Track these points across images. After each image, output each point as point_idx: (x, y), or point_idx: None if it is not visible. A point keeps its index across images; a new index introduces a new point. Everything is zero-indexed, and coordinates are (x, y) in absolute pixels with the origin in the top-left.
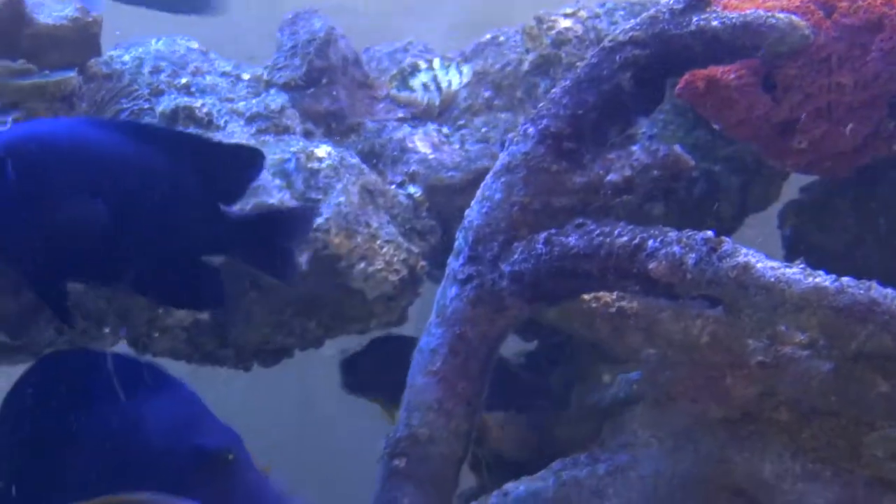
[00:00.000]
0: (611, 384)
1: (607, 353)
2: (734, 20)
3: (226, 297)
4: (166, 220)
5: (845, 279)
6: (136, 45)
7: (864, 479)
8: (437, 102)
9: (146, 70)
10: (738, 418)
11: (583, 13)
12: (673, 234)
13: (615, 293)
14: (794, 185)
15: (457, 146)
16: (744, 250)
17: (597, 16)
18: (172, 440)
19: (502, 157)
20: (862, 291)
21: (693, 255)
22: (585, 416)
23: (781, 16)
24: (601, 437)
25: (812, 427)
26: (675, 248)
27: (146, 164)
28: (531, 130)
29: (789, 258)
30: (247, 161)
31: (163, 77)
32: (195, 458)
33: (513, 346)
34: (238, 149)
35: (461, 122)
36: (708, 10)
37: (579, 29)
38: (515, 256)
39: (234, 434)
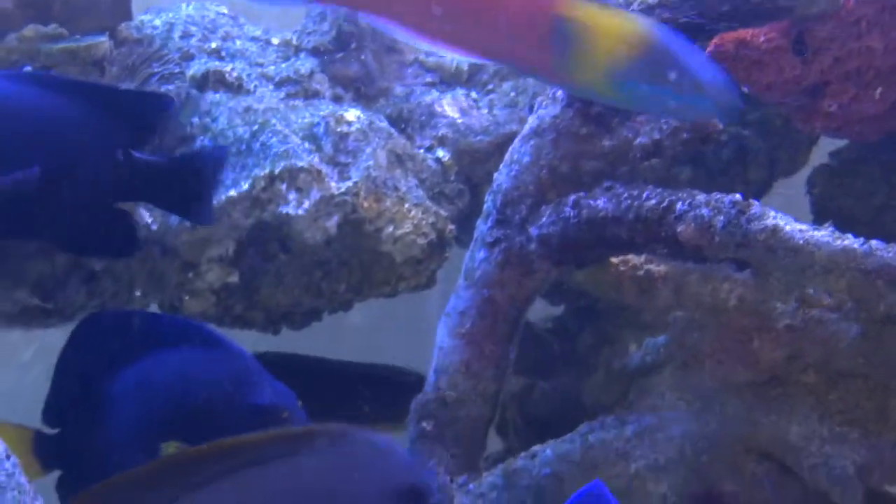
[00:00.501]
0: (638, 348)
1: (634, 316)
2: None
3: (138, 243)
4: (75, 169)
5: (874, 242)
6: (167, 10)
7: (891, 441)
8: (466, 67)
9: (176, 35)
10: (765, 381)
11: None
12: (701, 197)
13: (643, 256)
14: (822, 150)
15: (485, 111)
16: (772, 213)
17: None
18: (227, 397)
19: (531, 121)
20: (891, 254)
21: (722, 218)
22: (612, 379)
23: None
24: (628, 399)
25: (839, 390)
26: (704, 211)
27: (51, 113)
28: (560, 94)
29: (817, 223)
30: (156, 106)
31: (193, 41)
32: (251, 415)
33: (540, 311)
34: (146, 95)
35: (490, 87)
36: None
37: None
38: (544, 219)
39: (289, 392)
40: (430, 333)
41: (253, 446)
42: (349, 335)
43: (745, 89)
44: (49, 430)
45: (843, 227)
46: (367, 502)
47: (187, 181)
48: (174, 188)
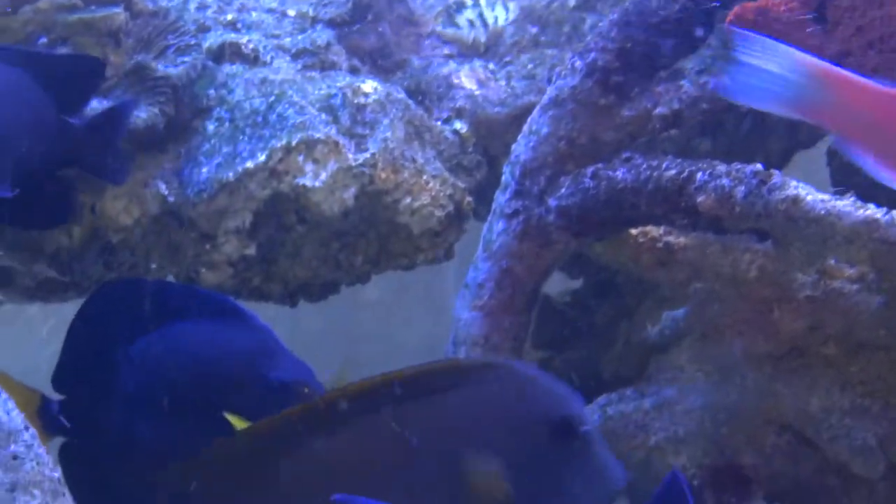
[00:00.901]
0: (657, 321)
1: (653, 289)
2: None
3: (75, 209)
4: (18, 140)
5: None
6: None
7: None
8: (483, 39)
9: (192, 6)
10: (785, 352)
11: None
12: (722, 168)
13: (662, 228)
14: None
15: (503, 82)
16: (794, 183)
17: None
18: (247, 370)
19: (550, 91)
20: None
21: (742, 188)
22: (631, 352)
23: None
24: (647, 372)
25: (860, 361)
26: (725, 181)
27: None
28: (579, 64)
29: (837, 195)
30: (87, 70)
31: (209, 13)
32: (270, 389)
33: (558, 284)
34: (76, 58)
35: (507, 59)
36: None
37: None
38: (562, 191)
39: (308, 368)
40: (445, 308)
41: (417, 378)
42: (365, 309)
43: None
44: (56, 397)
45: (863, 199)
46: (522, 432)
47: (111, 140)
48: (103, 149)
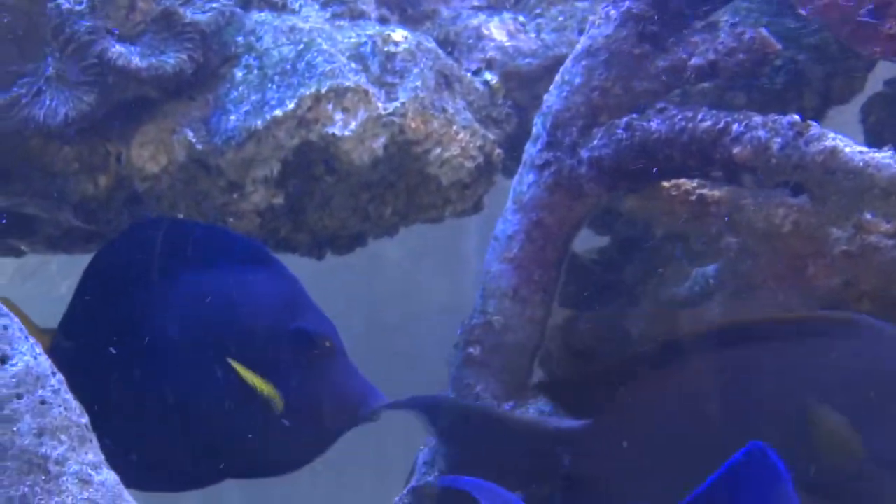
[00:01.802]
0: (686, 278)
1: (683, 246)
2: None
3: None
4: None
5: None
6: None
7: None
8: None
9: None
10: (819, 308)
11: None
12: (758, 119)
13: (696, 180)
14: (877, 79)
15: (533, 34)
16: (831, 134)
17: None
18: (274, 317)
19: (583, 41)
20: None
21: (779, 139)
22: (659, 311)
23: None
24: (672, 330)
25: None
26: (761, 132)
27: None
28: (613, 13)
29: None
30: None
31: None
32: (296, 339)
33: (585, 241)
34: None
35: (538, 11)
36: None
37: None
38: (595, 142)
39: (330, 322)
40: (467, 267)
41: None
42: (387, 267)
43: (803, 11)
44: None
45: None
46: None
47: None
48: None
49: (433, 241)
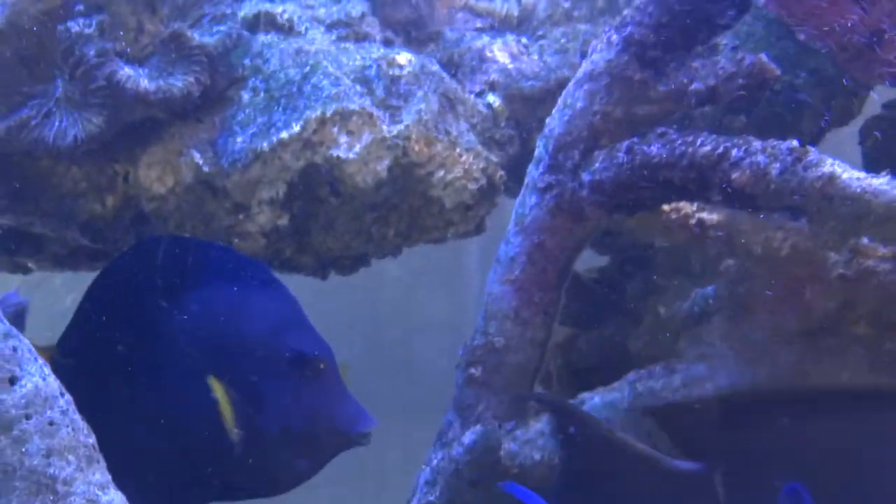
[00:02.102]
0: (685, 299)
1: (683, 266)
2: None
3: None
4: None
5: None
6: None
7: None
8: (516, 13)
9: None
10: (816, 331)
11: None
12: (757, 144)
13: (696, 204)
14: (876, 101)
15: (536, 56)
16: (829, 160)
17: None
18: (271, 337)
19: (585, 65)
20: None
21: (778, 165)
22: (660, 329)
23: None
24: (677, 348)
25: (892, 341)
26: (760, 158)
27: None
28: (615, 38)
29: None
30: None
31: None
32: (291, 359)
33: (586, 261)
34: None
35: (540, 33)
36: None
37: None
38: (596, 165)
39: (327, 345)
40: (467, 286)
41: None
42: (389, 284)
43: (801, 36)
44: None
45: None
46: None
47: None
48: None
49: (435, 259)
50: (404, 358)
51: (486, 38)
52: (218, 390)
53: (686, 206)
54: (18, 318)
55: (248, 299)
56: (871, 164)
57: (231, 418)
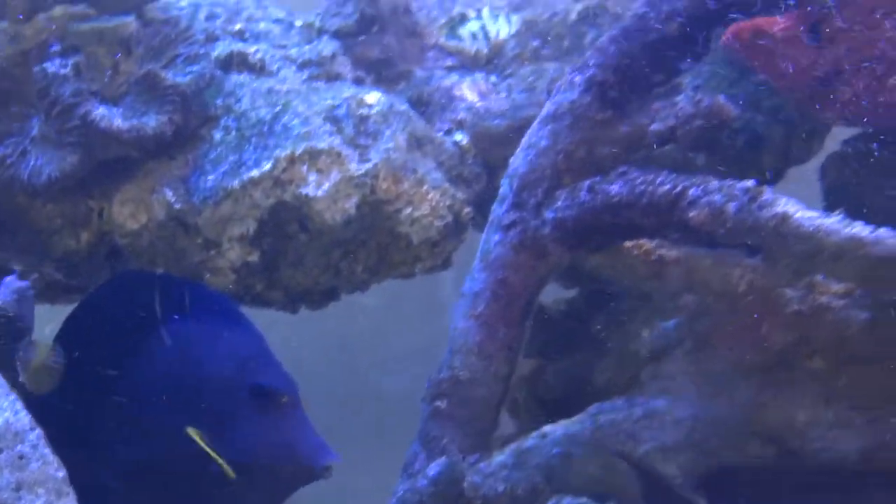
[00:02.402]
0: (650, 332)
1: (647, 300)
2: None
3: None
4: None
5: (882, 230)
6: None
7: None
8: (486, 51)
9: (202, 16)
10: (773, 365)
11: None
12: (714, 184)
13: (656, 241)
14: (836, 138)
15: (504, 95)
16: (783, 200)
17: None
18: (236, 372)
19: (548, 106)
20: None
21: (733, 204)
22: (624, 362)
23: None
24: (639, 382)
25: (847, 375)
26: (716, 197)
27: None
28: (578, 79)
29: (829, 211)
30: None
31: (218, 23)
32: (253, 393)
33: (553, 293)
34: None
35: (509, 71)
36: None
37: None
38: (559, 203)
39: (291, 379)
40: (441, 316)
41: None
42: (362, 316)
43: (761, 76)
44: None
45: (855, 215)
46: None
47: None
48: None
49: (409, 289)
50: (377, 387)
51: (455, 77)
52: (195, 436)
53: (646, 244)
54: (25, 303)
55: (215, 334)
56: (832, 200)
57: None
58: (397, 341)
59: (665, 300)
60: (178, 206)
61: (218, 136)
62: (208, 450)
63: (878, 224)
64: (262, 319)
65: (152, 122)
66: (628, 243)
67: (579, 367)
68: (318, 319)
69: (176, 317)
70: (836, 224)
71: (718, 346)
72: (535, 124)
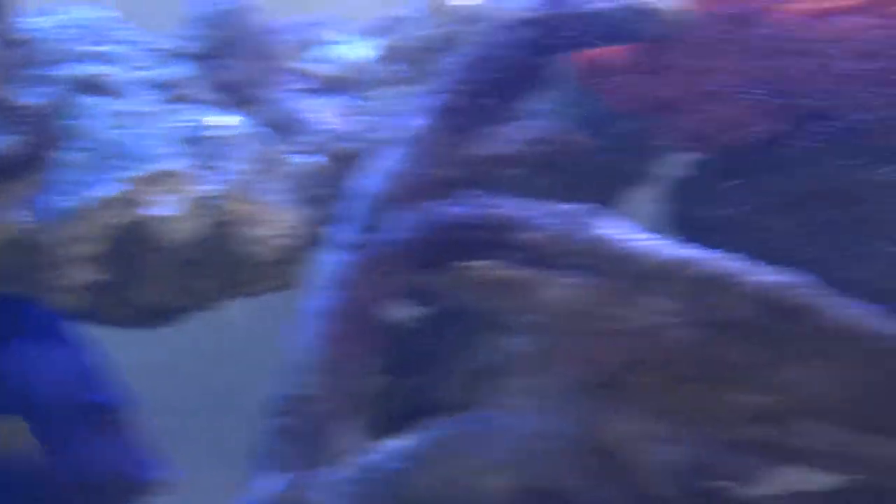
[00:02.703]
0: (492, 349)
1: (492, 318)
2: (614, 4)
3: None
4: None
5: (709, 252)
6: (54, 12)
7: (723, 441)
8: (344, 74)
9: (60, 36)
10: (607, 382)
11: None
12: (552, 206)
13: (497, 261)
14: (678, 162)
15: (360, 117)
16: (615, 222)
17: None
18: (64, 389)
19: (400, 129)
20: (723, 263)
21: (570, 227)
22: (468, 379)
23: None
24: (481, 398)
25: (675, 391)
26: (552, 220)
27: None
28: (429, 103)
29: (671, 232)
30: None
31: (76, 44)
32: (82, 411)
33: (402, 311)
34: None
35: (366, 94)
36: None
37: (484, 6)
38: (406, 224)
39: (124, 395)
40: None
41: None
42: (228, 328)
43: (606, 102)
44: None
45: (695, 236)
46: None
47: None
48: None
49: (270, 303)
50: (236, 402)
51: (311, 100)
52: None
53: (489, 264)
54: None
55: (47, 352)
56: (673, 223)
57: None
58: (258, 356)
59: (507, 319)
60: (27, 226)
61: (70, 157)
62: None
63: (713, 246)
64: (119, 338)
65: (2, 143)
66: (473, 263)
67: (427, 384)
68: (182, 334)
69: (14, 335)
70: (666, 246)
71: (556, 365)
72: (386, 147)
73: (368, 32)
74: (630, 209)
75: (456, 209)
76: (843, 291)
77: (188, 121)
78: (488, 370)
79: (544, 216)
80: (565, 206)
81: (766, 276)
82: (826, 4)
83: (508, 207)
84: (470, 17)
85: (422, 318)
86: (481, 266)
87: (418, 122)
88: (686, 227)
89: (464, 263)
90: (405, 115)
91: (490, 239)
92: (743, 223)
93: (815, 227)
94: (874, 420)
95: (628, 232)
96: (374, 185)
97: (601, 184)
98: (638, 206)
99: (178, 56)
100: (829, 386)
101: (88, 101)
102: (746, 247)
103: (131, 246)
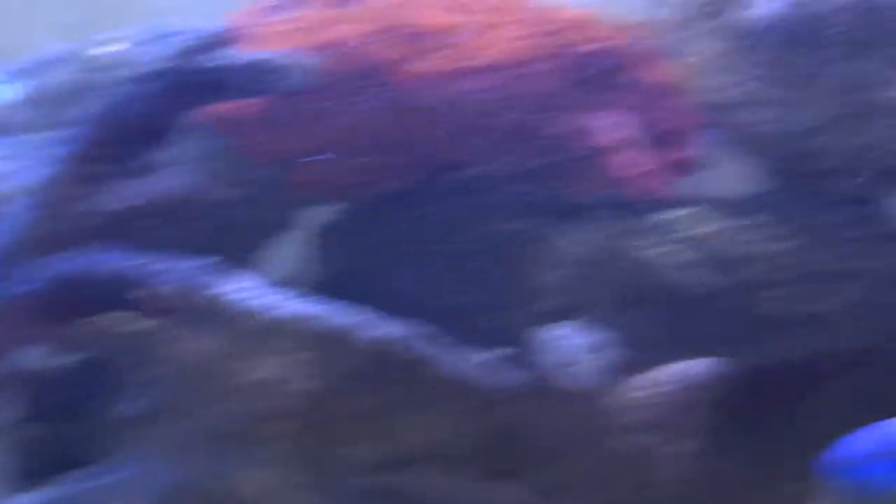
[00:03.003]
0: (132, 399)
1: (133, 369)
2: (243, 59)
3: None
4: None
5: (331, 306)
6: None
7: (353, 488)
8: None
9: None
10: (238, 432)
11: (133, 39)
12: (174, 262)
13: (127, 314)
14: (320, 213)
15: (3, 163)
16: (236, 276)
17: (146, 42)
18: None
19: (30, 177)
20: (341, 317)
21: (188, 281)
22: (109, 429)
23: (288, 55)
24: (118, 448)
25: (305, 441)
26: (174, 275)
27: None
28: (59, 152)
29: (311, 283)
30: None
31: None
32: None
33: (43, 360)
34: None
35: (7, 140)
36: (232, 46)
37: (129, 53)
38: (34, 275)
39: None
40: None
41: None
42: None
43: (241, 154)
44: None
45: (332, 288)
46: None
47: None
48: None
49: None
50: None
51: None
52: None
53: (117, 317)
54: None
55: None
56: (314, 273)
57: None
58: None
59: (145, 369)
60: None
61: None
62: None
63: (348, 297)
64: None
65: None
66: (100, 316)
67: (69, 434)
68: None
69: None
70: (287, 301)
71: (188, 415)
72: (14, 196)
73: (17, 74)
74: (272, 260)
75: (78, 263)
76: (469, 341)
77: None
78: (134, 419)
79: (164, 272)
80: (187, 263)
81: (381, 328)
82: (449, 66)
83: (133, 261)
84: (111, 65)
85: (68, 367)
86: (103, 320)
87: (46, 172)
88: (325, 278)
89: (86, 318)
90: (37, 163)
91: (118, 291)
92: (377, 274)
93: (443, 276)
94: (488, 466)
95: (249, 288)
96: (4, 234)
97: (243, 235)
98: (283, 257)
99: None
100: (444, 434)
101: None
102: (379, 298)
103: None
